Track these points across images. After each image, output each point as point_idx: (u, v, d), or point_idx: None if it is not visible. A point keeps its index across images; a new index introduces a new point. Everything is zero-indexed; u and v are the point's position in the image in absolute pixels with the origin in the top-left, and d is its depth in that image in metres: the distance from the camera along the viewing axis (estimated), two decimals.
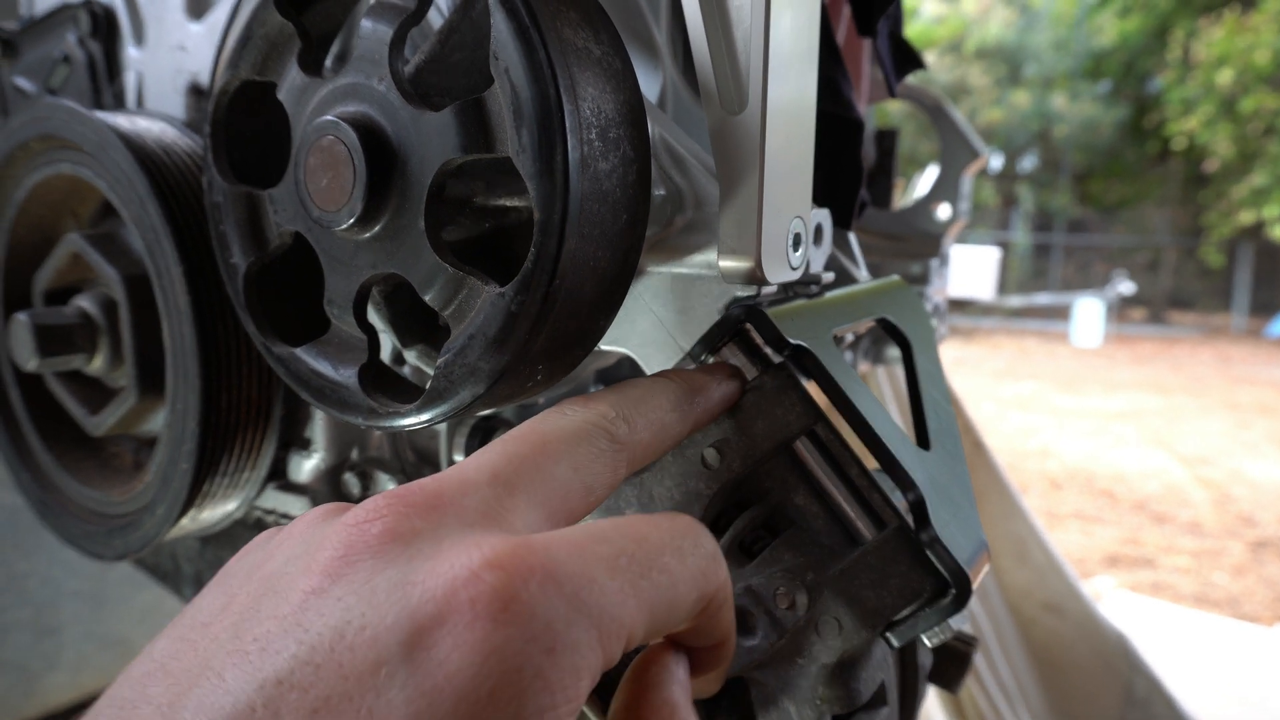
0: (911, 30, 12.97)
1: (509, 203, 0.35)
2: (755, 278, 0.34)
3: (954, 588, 0.34)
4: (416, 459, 0.52)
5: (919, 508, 0.35)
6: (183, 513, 0.47)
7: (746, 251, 0.33)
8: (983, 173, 13.47)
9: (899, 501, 0.36)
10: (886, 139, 1.08)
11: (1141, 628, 2.27)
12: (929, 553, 0.34)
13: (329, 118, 0.33)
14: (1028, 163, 14.48)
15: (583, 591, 0.21)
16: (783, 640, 0.35)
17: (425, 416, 0.34)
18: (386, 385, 0.37)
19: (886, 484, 0.36)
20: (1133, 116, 13.32)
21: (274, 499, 0.51)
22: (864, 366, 0.97)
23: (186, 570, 0.62)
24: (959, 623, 0.35)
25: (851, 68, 0.72)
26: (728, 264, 0.34)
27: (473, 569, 0.20)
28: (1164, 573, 3.11)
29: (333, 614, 0.20)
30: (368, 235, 0.34)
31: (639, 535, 0.24)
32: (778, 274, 0.35)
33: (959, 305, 10.53)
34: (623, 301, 0.35)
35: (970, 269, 9.12)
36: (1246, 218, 11.33)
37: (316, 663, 0.19)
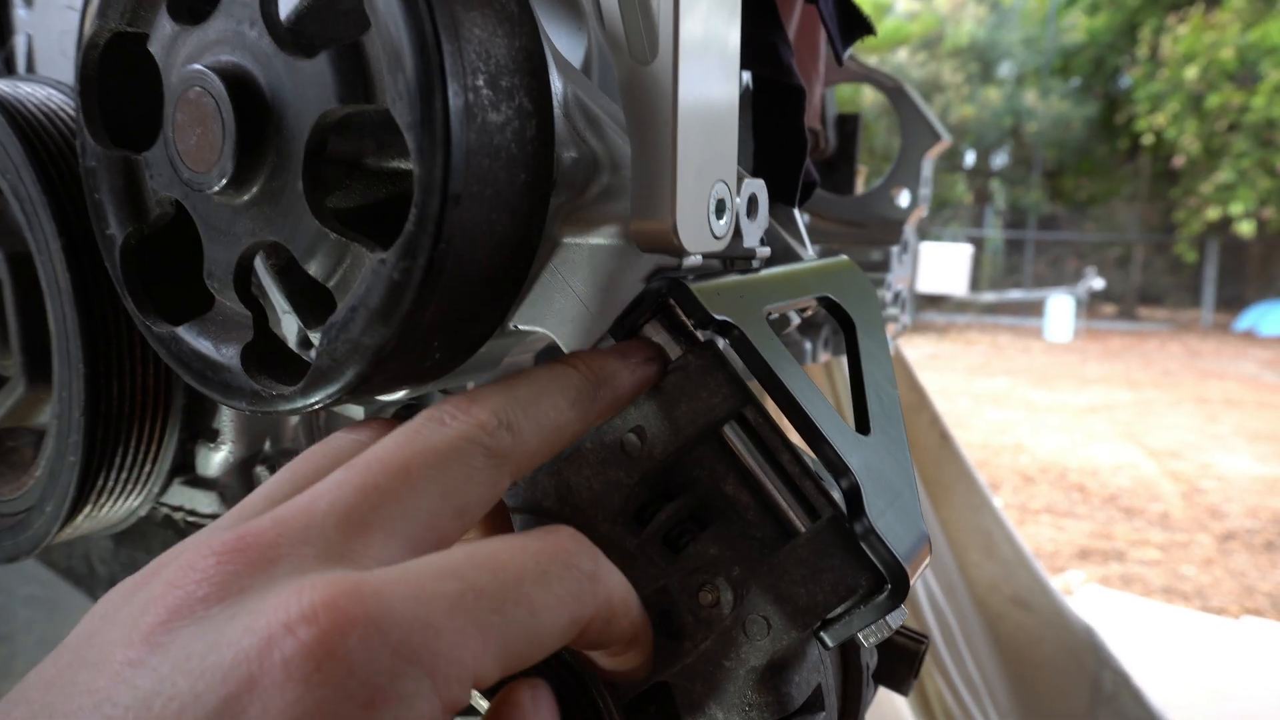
0: (884, 27, 13.05)
1: (404, 165, 0.32)
2: (671, 245, 0.31)
3: (890, 582, 0.31)
4: None
5: (853, 496, 0.32)
6: (74, 510, 0.43)
7: (660, 215, 0.30)
8: (956, 169, 13.58)
9: (837, 493, 0.33)
10: (849, 123, 1.05)
11: (1111, 621, 2.28)
12: (863, 545, 0.31)
13: (195, 67, 0.29)
14: (1000, 159, 14.60)
15: (413, 638, 0.19)
16: (708, 642, 0.32)
17: (311, 400, 0.31)
18: (276, 367, 0.33)
19: (825, 474, 0.34)
20: (1102, 113, 13.47)
21: (181, 494, 0.48)
22: (825, 356, 0.94)
23: (100, 572, 0.58)
24: (899, 619, 0.33)
25: (806, 44, 0.69)
26: (640, 228, 0.31)
27: (288, 624, 0.18)
28: (1134, 565, 3.13)
29: (144, 686, 0.19)
30: (244, 199, 0.30)
31: (495, 565, 0.22)
32: (697, 243, 0.32)
33: (933, 301, 10.60)
34: (527, 272, 0.32)
35: (943, 265, 9.17)
36: (1213, 214, 11.49)
37: None
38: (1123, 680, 1.32)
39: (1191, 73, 11.40)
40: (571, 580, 0.23)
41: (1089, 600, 2.51)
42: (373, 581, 0.20)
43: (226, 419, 0.47)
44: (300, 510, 0.22)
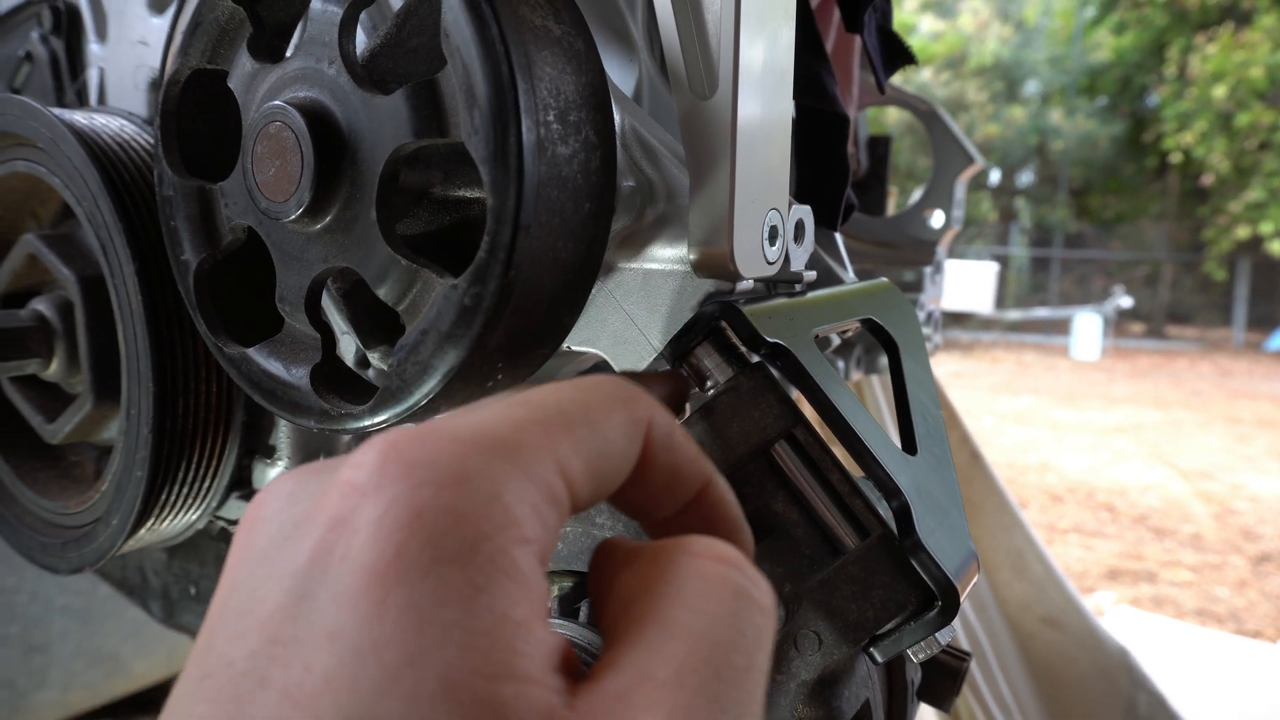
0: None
1: (470, 194, 0.33)
2: (727, 271, 0.32)
3: (940, 599, 0.32)
4: None
5: (903, 515, 0.33)
6: (139, 523, 0.45)
7: (718, 243, 0.32)
8: (981, 187, 13.52)
9: (884, 510, 0.34)
10: (880, 146, 1.06)
11: (1143, 643, 2.24)
12: (914, 562, 0.32)
13: (276, 103, 0.31)
14: (1025, 178, 14.52)
15: (492, 439, 0.20)
16: None
17: (379, 419, 0.32)
18: (342, 386, 0.35)
19: (872, 492, 0.34)
20: (1129, 132, 13.37)
21: (237, 509, 0.49)
22: (857, 375, 0.95)
23: (154, 584, 0.60)
24: (947, 636, 0.33)
25: (841, 70, 0.70)
26: (698, 256, 0.32)
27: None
28: (1165, 587, 3.07)
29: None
30: (318, 227, 0.32)
31: (547, 397, 0.22)
32: (752, 268, 0.33)
33: (958, 319, 10.53)
34: (587, 296, 0.33)
35: (969, 283, 9.12)
36: (1243, 232, 11.35)
37: None
38: (1158, 703, 1.30)
39: (1220, 91, 11.29)
40: (616, 393, 0.23)
41: (1120, 621, 2.47)
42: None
43: (283, 435, 0.48)
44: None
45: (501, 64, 0.27)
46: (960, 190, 0.93)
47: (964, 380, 7.65)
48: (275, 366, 0.35)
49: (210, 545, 0.54)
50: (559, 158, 0.28)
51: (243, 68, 0.34)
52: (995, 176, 14.15)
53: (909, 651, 0.33)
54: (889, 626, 0.32)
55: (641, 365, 0.37)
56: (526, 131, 0.27)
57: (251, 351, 0.36)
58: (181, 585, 0.57)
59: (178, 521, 0.48)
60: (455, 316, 0.29)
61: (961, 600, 0.32)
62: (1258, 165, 11.28)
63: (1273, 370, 9.06)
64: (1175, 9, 12.21)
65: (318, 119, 0.30)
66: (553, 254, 0.29)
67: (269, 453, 0.48)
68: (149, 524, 0.46)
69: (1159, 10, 12.39)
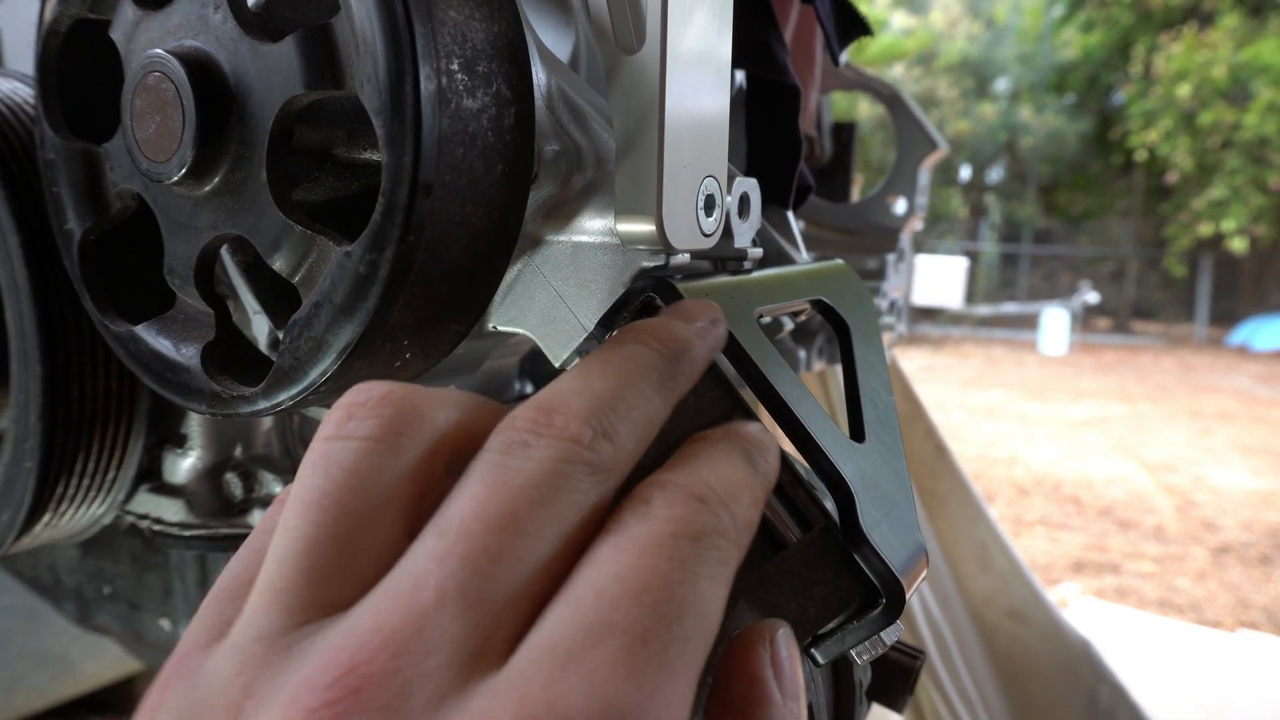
0: (880, 42, 13.11)
1: (376, 157, 0.30)
2: (655, 242, 0.29)
3: (884, 596, 0.29)
4: None
5: (846, 506, 0.30)
6: (31, 518, 0.41)
7: (644, 211, 0.29)
8: (951, 183, 13.63)
9: (831, 502, 0.31)
10: (845, 132, 1.04)
11: (1106, 634, 2.26)
12: (856, 557, 0.30)
13: (155, 52, 0.28)
14: (995, 174, 14.66)
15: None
16: None
17: (274, 401, 0.29)
18: (240, 367, 0.32)
19: (819, 483, 0.32)
20: (1097, 129, 13.54)
21: (147, 502, 0.46)
22: (819, 365, 0.93)
23: (67, 583, 0.56)
24: (893, 635, 0.31)
25: (804, 51, 0.68)
26: (625, 226, 0.30)
27: None
28: (1129, 578, 3.11)
29: None
30: (205, 190, 0.29)
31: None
32: (684, 239, 0.30)
33: (928, 314, 10.61)
34: (505, 267, 0.30)
35: (939, 278, 9.19)
36: (1206, 230, 11.54)
37: None
38: (1119, 694, 1.30)
39: (1184, 90, 11.46)
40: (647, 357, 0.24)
41: (1084, 613, 2.49)
42: None
43: (195, 423, 0.45)
44: (407, 611, 0.18)
45: (396, 3, 0.24)
46: (924, 177, 0.92)
47: (934, 374, 7.70)
48: (164, 345, 0.32)
49: (124, 541, 0.51)
50: (465, 111, 0.26)
51: (125, 16, 0.31)
52: (966, 173, 14.27)
53: (853, 653, 0.31)
54: (831, 626, 0.30)
55: (571, 346, 0.34)
56: (425, 80, 0.24)
57: (139, 329, 0.32)
58: (95, 584, 0.54)
59: (79, 516, 0.44)
60: (350, 287, 0.26)
61: (909, 597, 0.30)
62: (1220, 164, 11.47)
63: (1234, 365, 9.23)
64: (1140, 9, 12.37)
65: (200, 69, 0.27)
66: (461, 218, 0.27)
67: (180, 441, 0.45)
68: (45, 519, 0.42)
69: (1125, 9, 12.54)
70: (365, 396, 0.21)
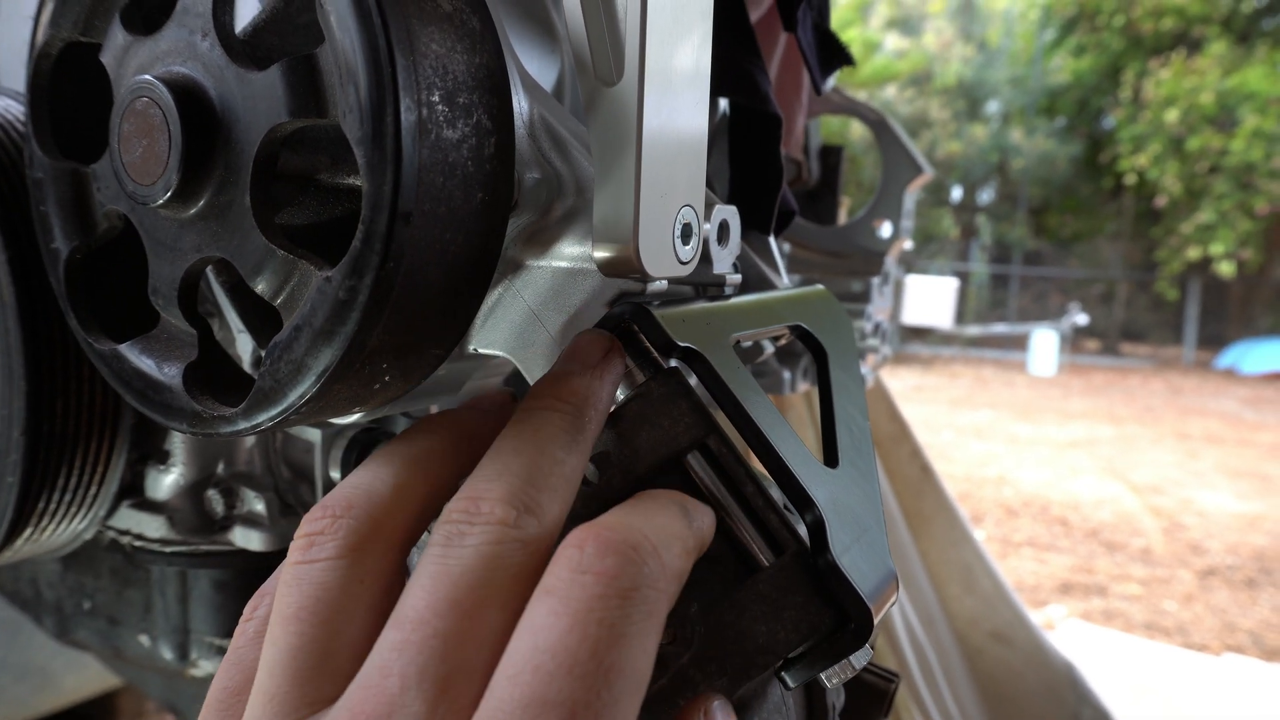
0: (873, 64, 13.24)
1: (358, 183, 0.31)
2: (632, 268, 0.30)
3: (852, 621, 0.30)
4: (291, 475, 0.47)
5: (817, 530, 0.31)
6: (12, 533, 0.41)
7: (621, 238, 0.30)
8: (942, 204, 13.72)
9: (804, 528, 0.32)
10: (832, 155, 1.05)
11: (1093, 657, 2.26)
12: (827, 581, 0.30)
13: (143, 77, 0.28)
14: (986, 195, 14.78)
15: None
16: (664, 680, 0.31)
17: (254, 422, 0.30)
18: (221, 387, 0.32)
19: (795, 509, 0.33)
20: (1087, 152, 13.67)
21: (129, 518, 0.46)
22: (804, 386, 0.93)
23: (47, 596, 0.56)
24: (862, 659, 0.32)
25: (790, 75, 0.69)
26: (602, 253, 0.30)
27: None
28: (1115, 600, 3.12)
29: None
30: (191, 213, 0.29)
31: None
32: (661, 267, 0.31)
33: (918, 333, 10.65)
34: (484, 293, 0.31)
35: (929, 298, 9.24)
36: (1194, 253, 11.64)
37: None
38: (1102, 716, 1.31)
39: (1172, 116, 11.60)
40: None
41: (1071, 635, 2.49)
42: None
43: (178, 440, 0.45)
44: (376, 700, 0.21)
45: (378, 36, 0.25)
46: (909, 200, 0.93)
47: (924, 394, 7.73)
48: (147, 364, 0.32)
49: (105, 557, 0.51)
50: (445, 141, 0.26)
51: (116, 40, 0.31)
52: (957, 194, 14.38)
53: (823, 676, 0.31)
54: (801, 650, 0.30)
55: (549, 368, 0.35)
56: (406, 111, 0.25)
57: (123, 348, 0.33)
58: (75, 599, 0.54)
59: (61, 532, 0.44)
60: (329, 312, 0.26)
61: (877, 621, 0.31)
62: (1208, 188, 11.59)
63: (1221, 388, 9.29)
64: (1130, 34, 12.53)
65: (187, 95, 0.28)
66: (440, 245, 0.27)
67: (162, 458, 0.45)
68: (26, 534, 0.42)
69: (1115, 35, 12.70)
70: (320, 525, 0.25)
